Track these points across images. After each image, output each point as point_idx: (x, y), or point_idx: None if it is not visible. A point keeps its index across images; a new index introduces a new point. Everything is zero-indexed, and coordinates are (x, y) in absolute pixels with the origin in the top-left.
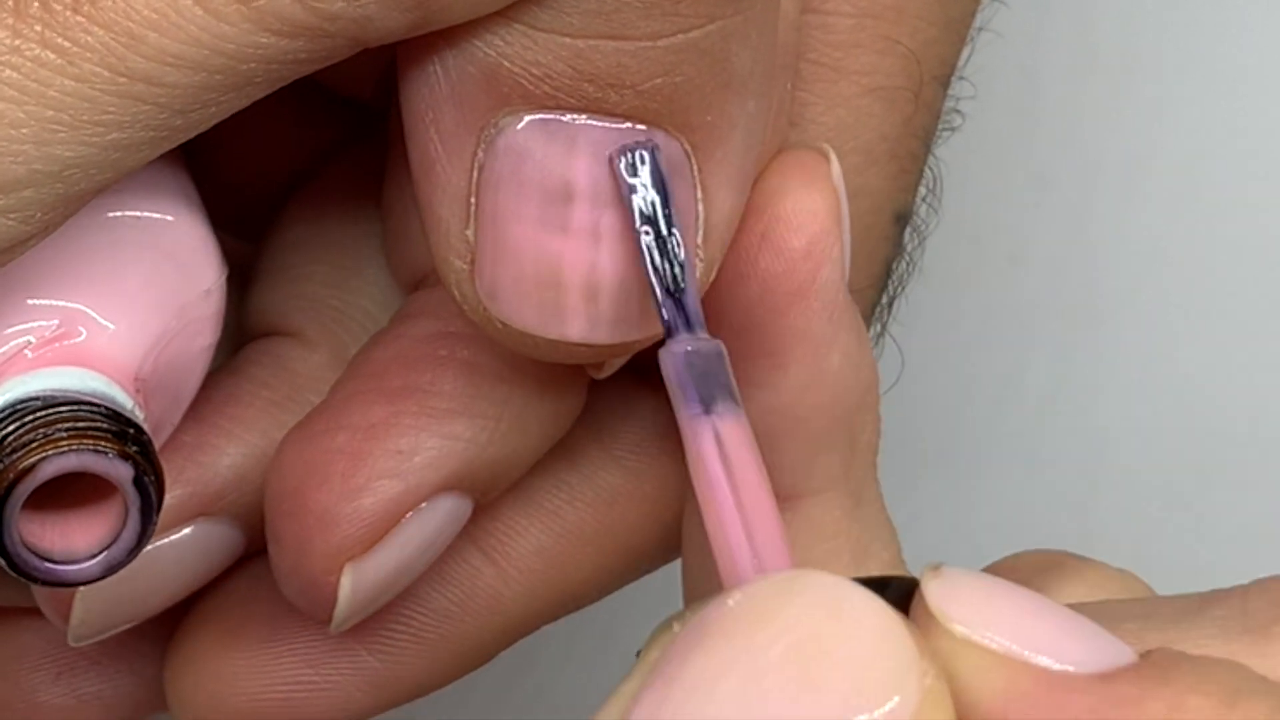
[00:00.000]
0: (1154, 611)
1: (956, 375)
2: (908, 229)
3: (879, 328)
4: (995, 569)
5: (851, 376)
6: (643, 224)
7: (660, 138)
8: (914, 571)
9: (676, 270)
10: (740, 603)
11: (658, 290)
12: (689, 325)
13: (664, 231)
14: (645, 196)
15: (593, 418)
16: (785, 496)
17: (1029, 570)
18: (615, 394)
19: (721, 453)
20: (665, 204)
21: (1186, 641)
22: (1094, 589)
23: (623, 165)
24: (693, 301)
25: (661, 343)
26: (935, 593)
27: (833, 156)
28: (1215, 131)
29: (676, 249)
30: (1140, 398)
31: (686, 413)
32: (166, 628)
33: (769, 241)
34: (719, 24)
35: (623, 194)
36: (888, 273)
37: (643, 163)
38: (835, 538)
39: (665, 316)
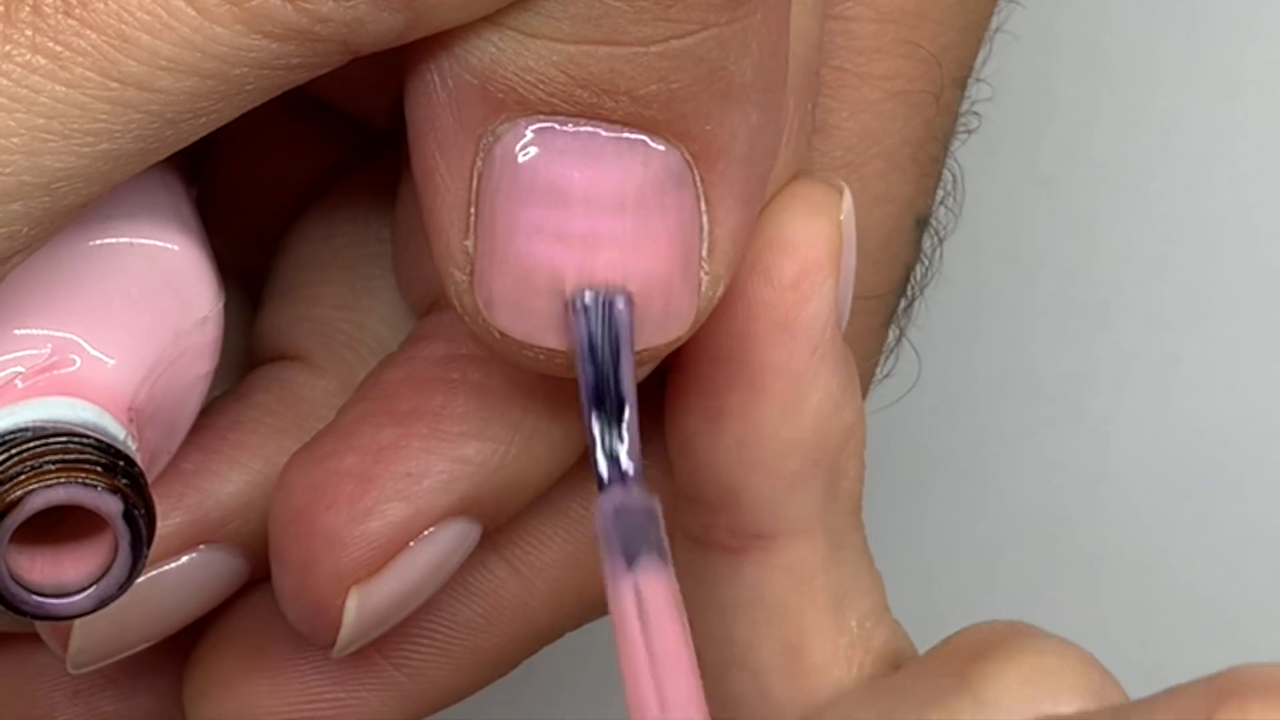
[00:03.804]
0: None
1: (959, 375)
2: (926, 232)
3: (897, 332)
4: (945, 645)
5: (833, 417)
6: (587, 368)
7: (660, 145)
8: (910, 578)
9: (615, 419)
10: None
11: (597, 438)
12: (622, 477)
13: (608, 380)
14: (595, 342)
15: None
16: (759, 536)
17: (965, 655)
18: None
19: (640, 610)
20: (616, 351)
21: None
22: (1027, 682)
23: (577, 307)
24: (632, 450)
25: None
26: None
27: (846, 193)
28: (1221, 133)
29: (621, 397)
30: (1144, 399)
31: (609, 567)
32: (184, 644)
33: (758, 268)
34: (714, 31)
35: (573, 334)
36: (908, 277)
37: (601, 307)
38: (811, 581)
39: (598, 467)
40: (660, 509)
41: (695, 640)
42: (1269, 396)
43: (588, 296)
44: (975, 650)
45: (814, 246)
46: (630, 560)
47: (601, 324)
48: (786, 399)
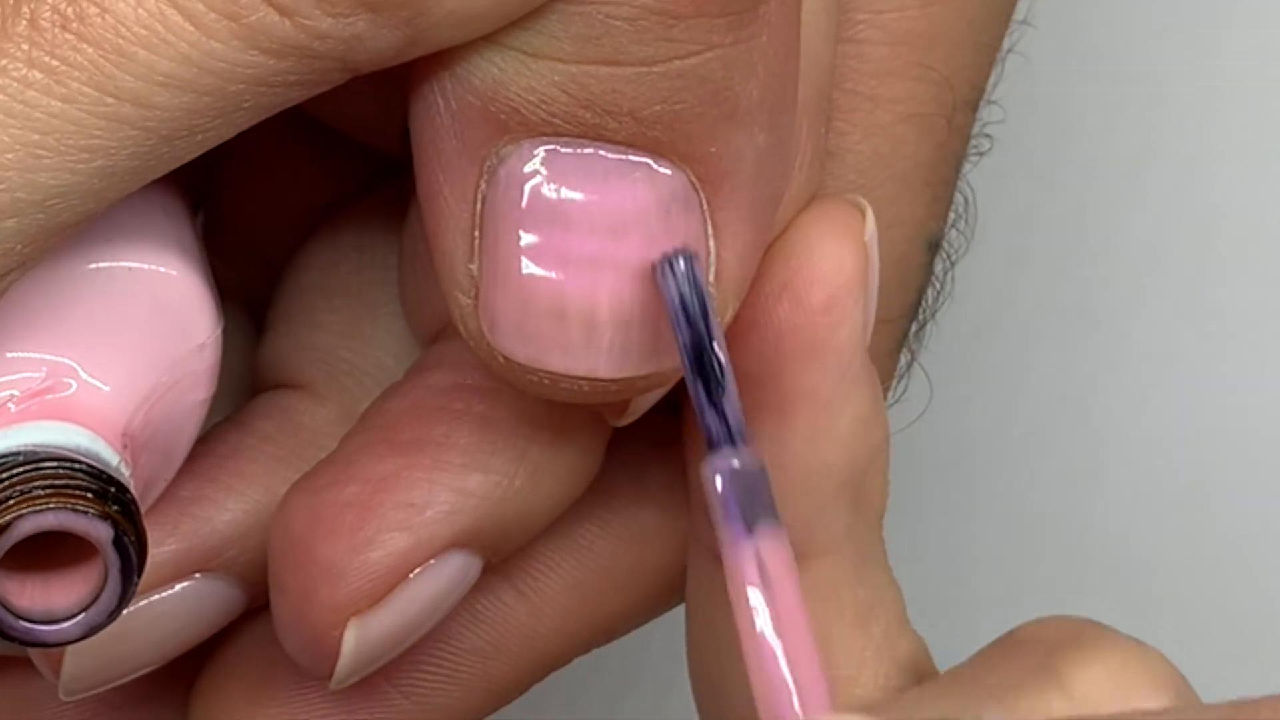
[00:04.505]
0: None
1: (954, 400)
2: (938, 255)
3: (909, 356)
4: (1015, 638)
5: (862, 439)
6: (684, 330)
7: (665, 167)
8: (925, 598)
9: (718, 378)
10: None
11: (701, 400)
12: (731, 438)
13: (705, 338)
14: (687, 302)
15: (626, 453)
16: None
17: (1048, 646)
18: (648, 430)
19: (764, 577)
20: (704, 310)
21: None
22: (1115, 672)
23: (663, 271)
24: (735, 412)
25: (693, 429)
26: None
27: (868, 211)
28: (1238, 155)
29: (718, 356)
30: (1138, 421)
31: (729, 533)
32: (189, 671)
33: (789, 292)
34: (718, 52)
35: (664, 299)
36: (919, 301)
37: (684, 268)
38: (839, 597)
39: (709, 428)
40: (769, 470)
41: (724, 659)
42: (1272, 400)
43: (678, 259)
44: (1055, 643)
45: (843, 270)
46: (750, 525)
47: (690, 284)
48: (817, 422)
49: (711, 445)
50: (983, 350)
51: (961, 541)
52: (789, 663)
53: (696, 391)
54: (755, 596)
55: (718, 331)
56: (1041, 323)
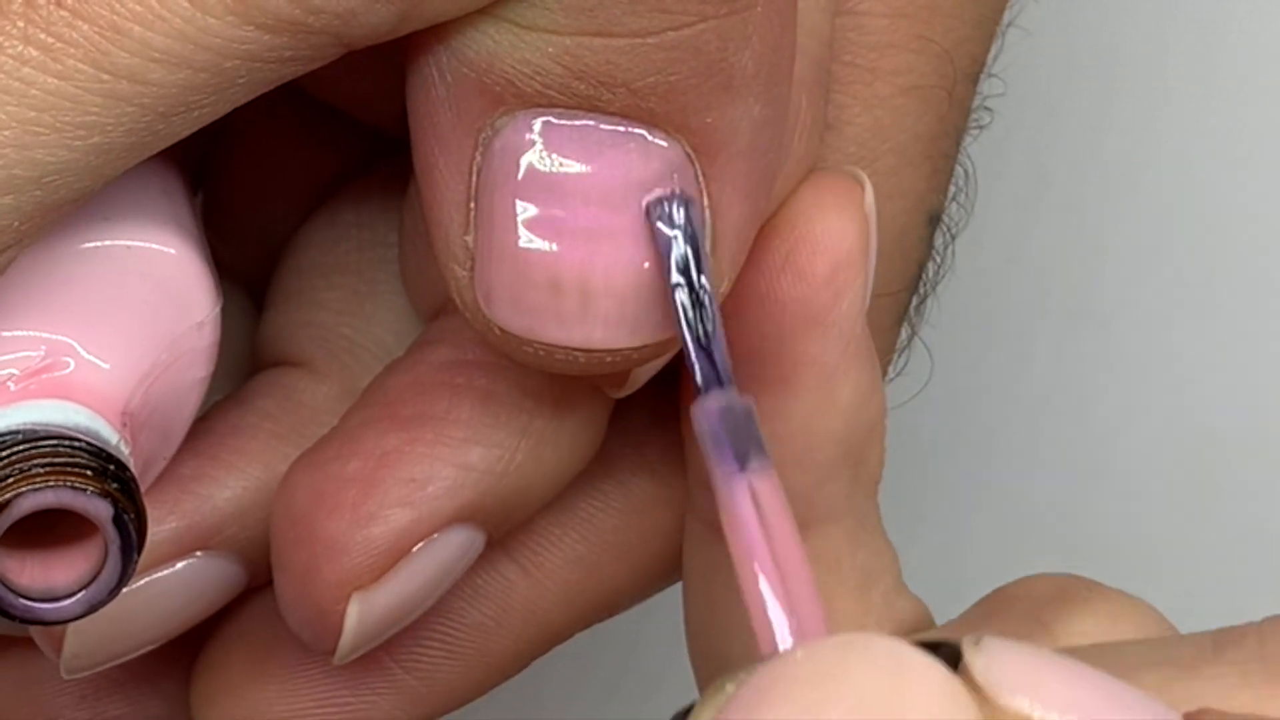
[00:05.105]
0: (1171, 657)
1: (955, 375)
2: (939, 229)
3: (909, 330)
4: (1004, 595)
5: (862, 409)
6: (677, 275)
7: (660, 138)
8: (923, 574)
9: (707, 323)
10: (800, 664)
11: (690, 343)
12: (719, 380)
13: (696, 283)
14: (680, 247)
15: (625, 425)
16: None
17: (1037, 601)
18: (647, 402)
19: (758, 511)
20: (698, 256)
21: (1209, 690)
22: (1104, 622)
23: (657, 215)
24: (722, 355)
25: (691, 395)
26: (981, 664)
27: (866, 183)
28: (1234, 126)
29: (708, 302)
30: (1150, 398)
31: (721, 470)
32: (192, 648)
33: (791, 264)
34: (712, 23)
35: (658, 244)
36: (920, 275)
37: (677, 213)
38: (839, 565)
39: (698, 370)
40: (756, 409)
41: (724, 635)
42: (1275, 398)
43: (672, 202)
44: (1045, 598)
45: (844, 242)
46: (742, 461)
47: (685, 229)
48: (819, 393)
49: (700, 388)
50: (984, 325)
51: (962, 518)
52: (787, 593)
53: (684, 335)
54: (751, 527)
55: (708, 273)
56: (1039, 298)
